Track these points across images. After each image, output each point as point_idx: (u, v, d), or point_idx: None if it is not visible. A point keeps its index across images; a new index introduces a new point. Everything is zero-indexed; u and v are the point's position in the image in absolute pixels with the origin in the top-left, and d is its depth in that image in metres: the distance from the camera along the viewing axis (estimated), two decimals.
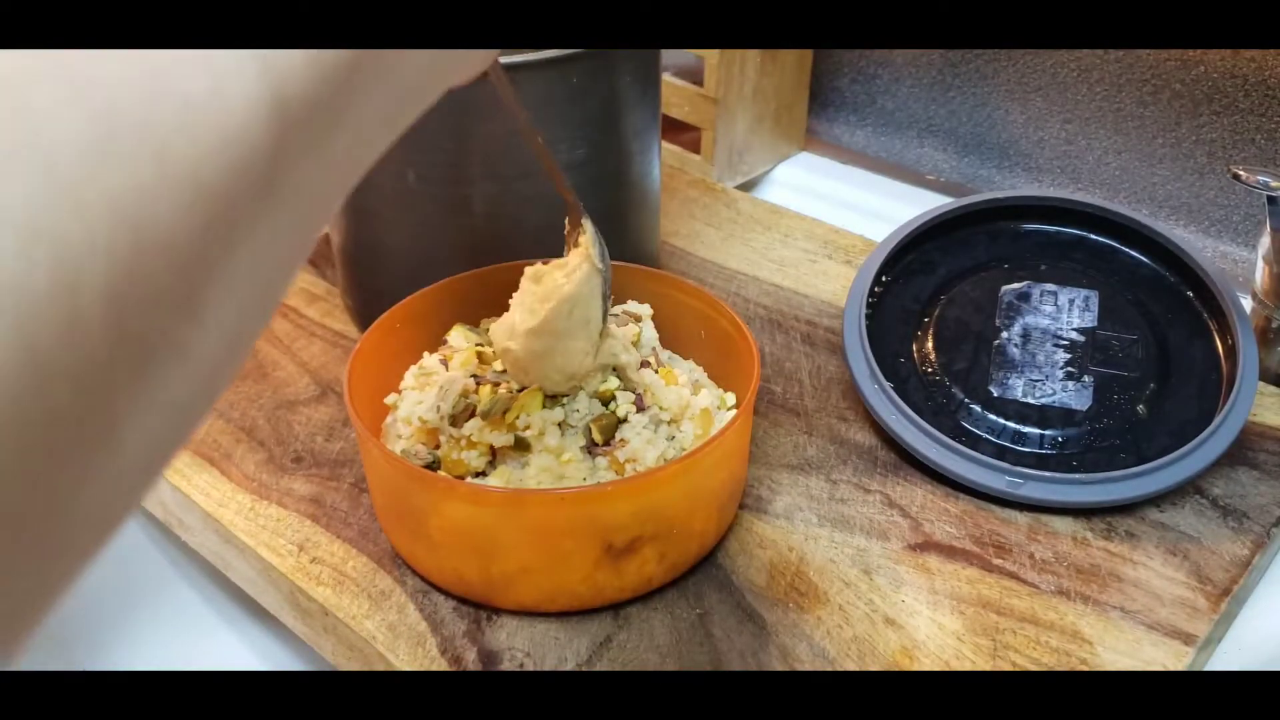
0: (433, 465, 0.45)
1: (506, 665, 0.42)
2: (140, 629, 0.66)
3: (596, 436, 0.43)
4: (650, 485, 0.41)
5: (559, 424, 0.44)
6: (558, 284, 0.43)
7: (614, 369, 0.46)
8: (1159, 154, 0.67)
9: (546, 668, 0.42)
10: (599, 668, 0.42)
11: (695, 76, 0.75)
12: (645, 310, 0.52)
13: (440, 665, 0.42)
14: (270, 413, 0.56)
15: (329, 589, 0.45)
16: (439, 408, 0.44)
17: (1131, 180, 0.69)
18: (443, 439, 0.44)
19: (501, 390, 0.44)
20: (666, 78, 0.75)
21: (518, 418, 0.43)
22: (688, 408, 0.45)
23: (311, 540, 0.48)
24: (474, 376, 0.46)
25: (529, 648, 0.43)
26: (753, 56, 0.74)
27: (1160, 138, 0.67)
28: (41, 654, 0.63)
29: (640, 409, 0.45)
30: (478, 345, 0.48)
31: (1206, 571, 0.46)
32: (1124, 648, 0.43)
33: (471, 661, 0.42)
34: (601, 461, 0.43)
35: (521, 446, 0.43)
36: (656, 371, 0.47)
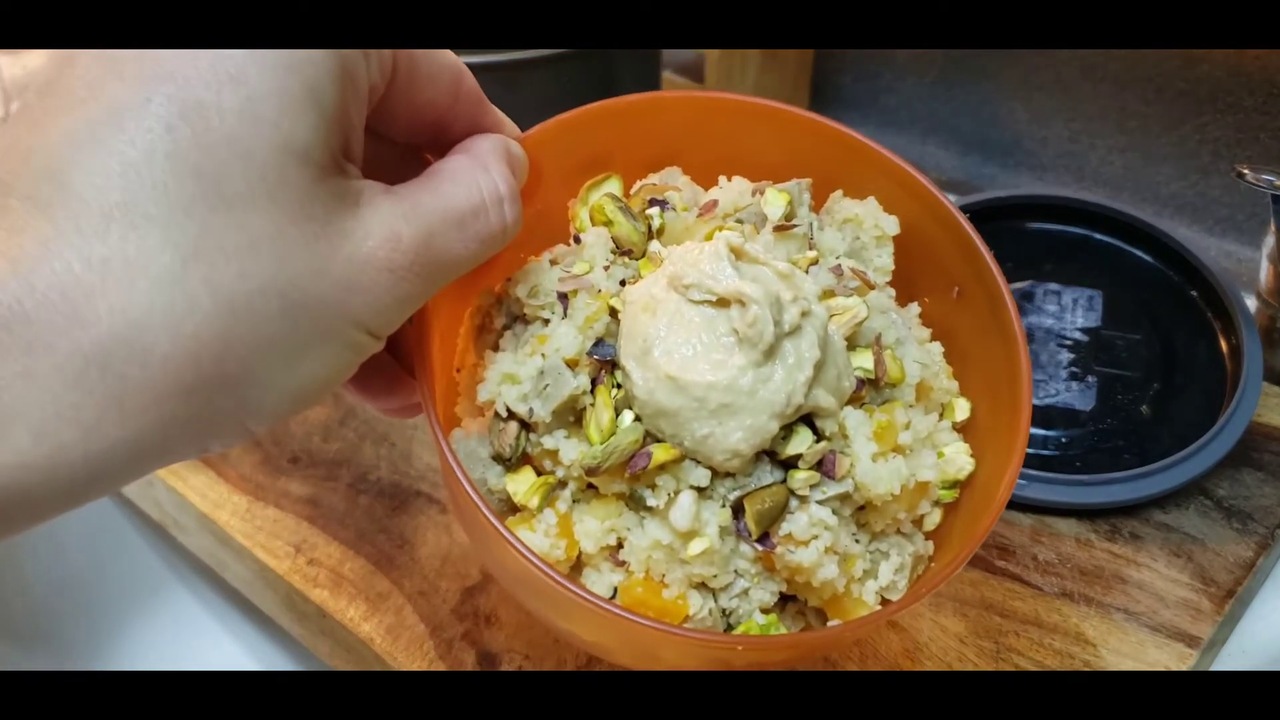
0: (513, 459, 0.32)
1: (505, 667, 0.42)
2: (136, 631, 0.66)
3: (752, 526, 0.31)
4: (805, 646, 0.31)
5: (698, 490, 0.31)
6: (763, 315, 0.29)
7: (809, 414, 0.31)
8: (1163, 153, 0.67)
9: (546, 669, 0.42)
10: (598, 668, 0.42)
11: (695, 76, 0.75)
12: (890, 225, 0.35)
13: (439, 667, 0.42)
14: None
15: (326, 591, 0.45)
16: (532, 410, 0.31)
17: (1135, 179, 0.69)
18: (534, 436, 0.32)
19: (625, 423, 0.31)
20: (666, 77, 0.75)
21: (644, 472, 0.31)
22: (899, 494, 0.31)
23: (308, 542, 0.48)
24: (592, 348, 0.32)
25: (528, 649, 0.42)
26: (753, 56, 0.74)
27: (1164, 137, 0.67)
28: (40, 655, 0.62)
29: (827, 475, 0.31)
30: (617, 260, 0.34)
31: (1211, 573, 0.46)
32: (1128, 650, 0.42)
33: (470, 663, 0.42)
34: (747, 551, 0.31)
35: (637, 503, 0.32)
36: (867, 401, 0.32)
